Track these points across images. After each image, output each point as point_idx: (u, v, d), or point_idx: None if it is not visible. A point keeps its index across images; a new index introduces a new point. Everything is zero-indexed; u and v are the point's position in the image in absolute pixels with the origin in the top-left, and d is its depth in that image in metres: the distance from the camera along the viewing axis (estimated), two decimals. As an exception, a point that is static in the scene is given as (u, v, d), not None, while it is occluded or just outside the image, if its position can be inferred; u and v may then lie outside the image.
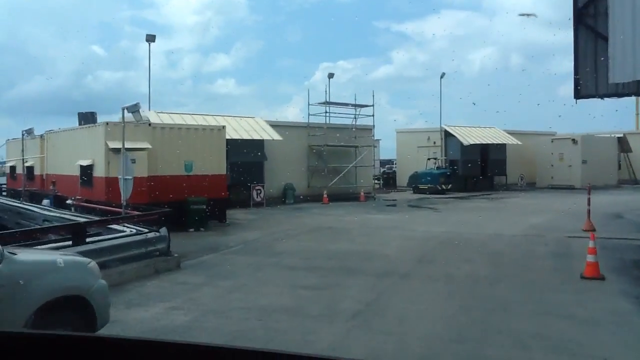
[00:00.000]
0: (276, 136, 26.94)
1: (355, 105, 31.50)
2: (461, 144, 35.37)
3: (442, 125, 37.38)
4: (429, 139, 38.29)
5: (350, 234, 16.43)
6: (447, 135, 37.11)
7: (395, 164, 43.28)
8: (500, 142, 37.44)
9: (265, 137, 26.70)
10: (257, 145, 26.64)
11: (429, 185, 34.46)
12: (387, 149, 45.55)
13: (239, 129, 26.42)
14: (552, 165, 39.02)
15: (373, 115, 31.21)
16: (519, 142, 38.26)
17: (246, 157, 26.03)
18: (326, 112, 29.45)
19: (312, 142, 29.98)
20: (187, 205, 16.96)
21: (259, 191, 25.89)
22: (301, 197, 29.28)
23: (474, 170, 36.22)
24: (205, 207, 17.10)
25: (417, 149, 38.74)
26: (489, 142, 36.69)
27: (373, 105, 30.96)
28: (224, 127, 18.18)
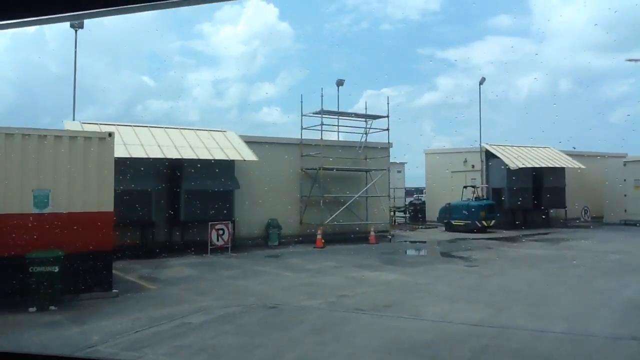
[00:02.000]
0: (249, 155, 19.79)
1: (364, 117, 24.13)
2: (507, 167, 27.43)
3: (482, 144, 29.52)
4: (465, 161, 30.45)
5: (296, 328, 8.87)
6: (489, 156, 29.23)
7: (425, 193, 35.42)
8: (557, 166, 29.26)
9: (233, 156, 19.58)
10: (223, 167, 19.57)
11: (465, 222, 26.56)
12: (418, 177, 37.88)
13: (197, 146, 19.40)
14: (625, 195, 30.50)
15: (388, 129, 23.78)
16: (582, 166, 29.99)
17: (205, 185, 18.97)
18: (322, 125, 22.15)
19: (306, 164, 22.73)
20: (27, 266, 9.87)
21: (220, 232, 18.64)
22: (291, 237, 21.99)
23: (525, 201, 28.12)
24: (57, 268, 9.96)
25: (451, 174, 30.92)
26: (544, 166, 28.60)
27: (388, 116, 23.55)
28: (110, 134, 11.15)
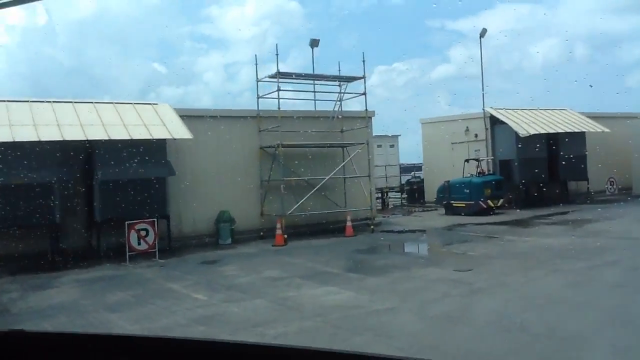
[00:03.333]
0: (180, 133, 15.60)
1: (335, 79, 19.68)
2: (516, 135, 22.88)
3: (486, 109, 24.91)
4: (467, 130, 25.91)
5: None
6: (495, 123, 24.67)
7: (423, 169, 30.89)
8: (576, 130, 24.62)
9: (158, 134, 15.40)
10: (152, 150, 15.45)
11: (467, 202, 22.16)
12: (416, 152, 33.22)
13: (112, 124, 15.24)
14: (658, 162, 25.85)
15: (365, 94, 19.31)
16: (606, 129, 25.32)
17: (127, 173, 14.88)
18: (278, 90, 17.71)
19: (265, 141, 18.47)
20: None
21: (143, 233, 14.51)
22: (250, 232, 17.91)
23: (538, 174, 23.63)
24: None
25: (452, 146, 26.46)
26: (560, 131, 23.99)
27: (364, 77, 19.06)
28: None
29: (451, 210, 22.80)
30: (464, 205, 22.26)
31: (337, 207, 19.44)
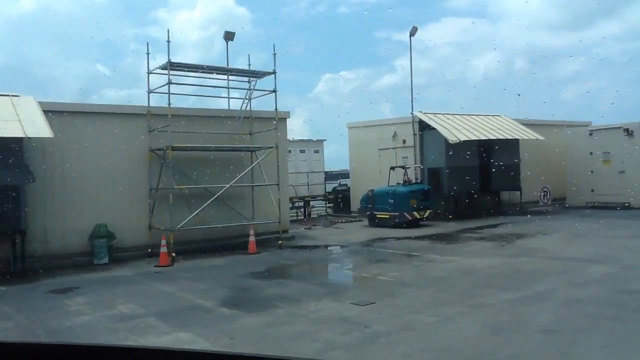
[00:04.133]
0: (39, 131, 12.72)
1: (241, 73, 17.23)
2: (446, 141, 21.05)
3: (415, 113, 23.02)
4: (395, 135, 23.97)
5: None
6: (424, 128, 22.81)
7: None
8: (510, 137, 23.09)
9: (13, 132, 12.49)
10: (3, 150, 12.53)
11: (391, 214, 20.13)
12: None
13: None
14: (591, 172, 24.71)
15: (275, 91, 16.86)
16: (540, 137, 23.94)
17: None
18: (169, 83, 15.03)
19: (158, 142, 15.75)
20: None
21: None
22: (136, 250, 15.17)
23: (469, 183, 21.94)
24: None
25: (379, 152, 24.48)
26: (493, 138, 22.38)
27: (275, 72, 16.62)
28: None
29: (375, 222, 20.73)
30: (388, 216, 20.21)
31: (244, 219, 16.98)
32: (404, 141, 23.44)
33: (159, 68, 15.27)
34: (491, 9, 79.47)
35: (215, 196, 15.70)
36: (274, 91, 16.80)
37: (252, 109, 17.84)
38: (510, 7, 76.33)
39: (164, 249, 13.94)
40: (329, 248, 16.06)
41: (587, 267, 11.00)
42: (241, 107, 17.54)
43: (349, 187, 26.73)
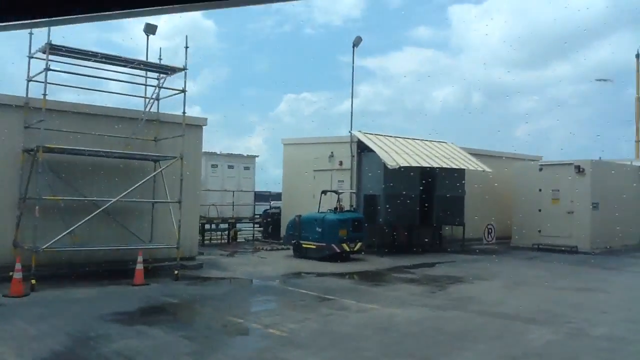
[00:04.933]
0: None
1: (145, 67, 14.72)
2: (384, 166, 18.97)
3: (353, 132, 20.92)
4: (332, 155, 21.78)
5: None
6: (364, 150, 20.71)
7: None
8: (456, 167, 21.25)
9: None
10: None
11: (318, 244, 17.82)
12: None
13: None
14: (539, 211, 23.11)
15: (184, 91, 14.37)
16: (487, 169, 22.19)
17: None
18: (47, 69, 12.34)
19: (32, 140, 12.96)
20: None
21: None
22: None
23: (408, 214, 19.91)
24: None
25: (314, 173, 22.22)
26: (437, 166, 20.46)
27: (185, 69, 14.17)
28: None
29: (300, 252, 18.36)
30: (315, 247, 17.88)
31: (140, 242, 14.33)
32: (341, 163, 21.28)
33: (38, 51, 12.60)
34: (453, 41, 79.85)
35: (99, 210, 13.01)
36: (183, 91, 14.32)
37: (161, 112, 15.31)
38: (471, 41, 76.75)
39: (18, 275, 11.14)
40: (232, 282, 13.55)
41: (527, 331, 8.88)
42: (145, 108, 14.99)
43: (280, 211, 24.33)
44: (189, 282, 13.25)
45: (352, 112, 21.09)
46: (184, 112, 14.33)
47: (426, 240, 21.96)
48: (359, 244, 18.00)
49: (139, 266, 12.75)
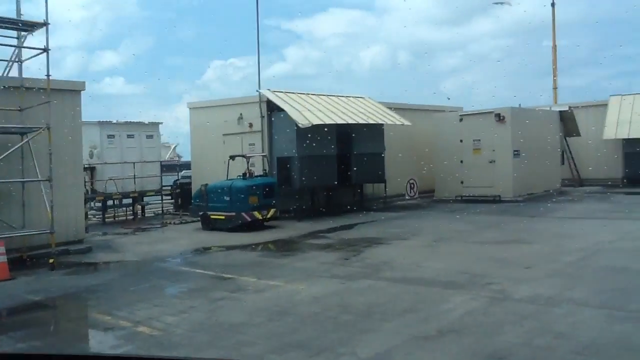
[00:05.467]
0: None
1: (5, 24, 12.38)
2: (296, 125, 17.47)
3: (261, 91, 19.23)
4: (241, 118, 20.04)
5: None
6: (274, 110, 19.08)
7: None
8: (373, 122, 20.03)
9: None
10: None
11: (227, 214, 16.27)
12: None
13: None
14: (461, 162, 22.45)
15: (47, 50, 12.13)
16: (407, 122, 21.15)
17: None
18: None
19: None
20: None
21: None
22: None
23: (326, 175, 18.64)
24: None
25: (224, 138, 20.46)
26: (353, 122, 19.16)
27: (47, 24, 11.95)
28: None
29: (209, 225, 16.75)
30: (224, 217, 16.30)
31: (10, 229, 12.27)
32: (251, 125, 19.58)
33: None
34: (378, 1, 79.17)
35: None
36: (45, 50, 12.11)
37: (25, 77, 13.03)
38: (395, 1, 76.05)
39: None
40: (120, 267, 11.81)
41: (444, 299, 7.77)
42: (4, 72, 12.68)
43: (191, 181, 22.45)
44: (67, 271, 11.40)
45: (259, 68, 19.42)
46: (47, 74, 12.12)
47: (347, 200, 20.86)
48: (272, 211, 16.56)
49: (1, 258, 10.77)
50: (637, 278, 8.51)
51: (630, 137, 25.10)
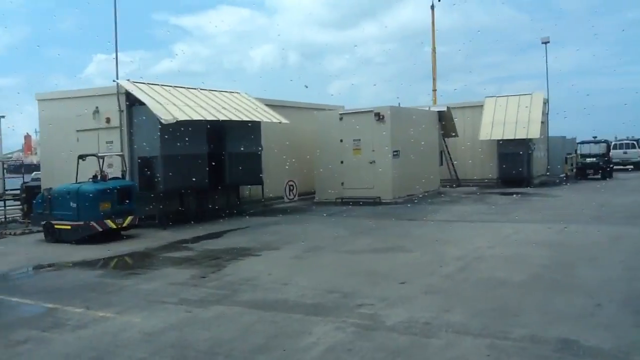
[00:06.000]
0: None
1: None
2: (159, 121, 15.54)
3: (120, 82, 17.04)
4: (97, 111, 17.69)
5: None
6: (135, 103, 16.97)
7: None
8: (248, 119, 18.53)
9: None
10: None
11: (74, 223, 14.02)
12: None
13: None
14: (342, 162, 21.64)
15: None
16: (284, 120, 19.88)
17: None
18: None
19: None
20: None
21: None
22: None
23: (195, 177, 16.88)
24: None
25: (77, 135, 17.99)
26: (225, 119, 17.54)
27: None
28: None
29: (53, 235, 14.39)
30: (69, 227, 14.04)
31: None
32: (108, 120, 17.31)
33: None
34: (268, 1, 78.36)
35: None
36: None
37: None
38: (285, 1, 75.44)
39: None
40: None
41: (306, 329, 6.49)
42: None
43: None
44: None
45: (116, 57, 17.08)
46: None
47: (221, 204, 19.24)
48: (129, 218, 14.55)
49: None
50: (517, 293, 7.75)
51: (504, 138, 25.70)
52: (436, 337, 6.00)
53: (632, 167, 38.48)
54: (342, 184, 21.44)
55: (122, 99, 16.86)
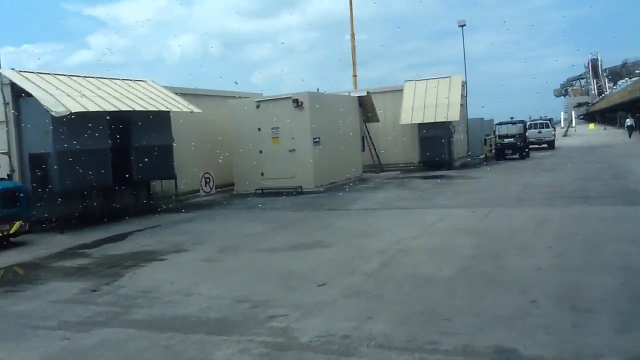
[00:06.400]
0: None
1: None
2: (50, 114, 13.86)
3: (1, 70, 15.12)
4: (-20, 105, 15.64)
5: None
6: (22, 95, 15.11)
7: None
8: (155, 109, 17.05)
9: None
10: None
11: (-53, 233, 12.22)
12: None
13: None
14: (260, 152, 20.59)
15: None
16: (196, 109, 18.55)
17: None
18: None
19: None
20: None
21: None
22: None
23: (96, 174, 15.31)
24: None
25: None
26: (128, 109, 16.01)
27: None
28: None
29: None
30: (-56, 238, 12.21)
31: None
32: (-8, 114, 15.37)
33: None
34: None
35: None
36: None
37: None
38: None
39: None
40: None
41: (204, 355, 5.45)
42: None
43: None
44: None
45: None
46: None
47: (130, 202, 17.73)
48: (17, 224, 12.89)
49: None
50: (445, 291, 7.06)
51: (424, 122, 25.46)
52: (357, 355, 5.15)
53: (546, 145, 39.72)
54: (262, 174, 20.42)
55: (7, 90, 14.97)
